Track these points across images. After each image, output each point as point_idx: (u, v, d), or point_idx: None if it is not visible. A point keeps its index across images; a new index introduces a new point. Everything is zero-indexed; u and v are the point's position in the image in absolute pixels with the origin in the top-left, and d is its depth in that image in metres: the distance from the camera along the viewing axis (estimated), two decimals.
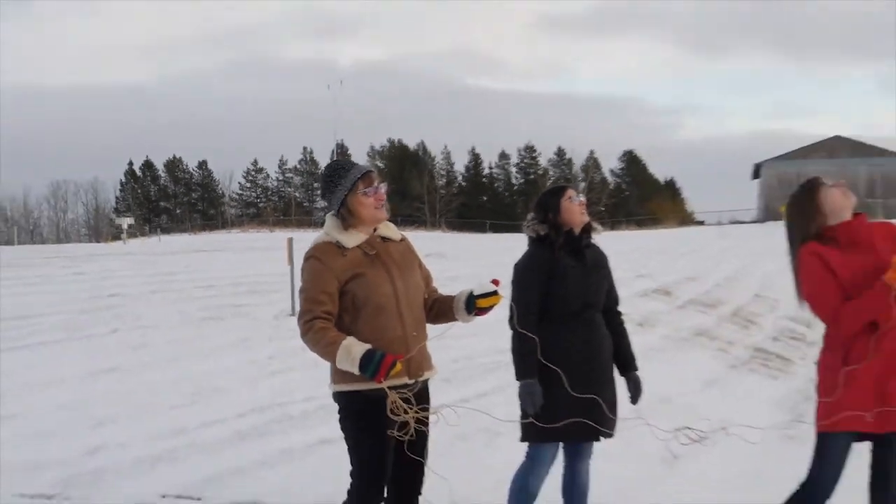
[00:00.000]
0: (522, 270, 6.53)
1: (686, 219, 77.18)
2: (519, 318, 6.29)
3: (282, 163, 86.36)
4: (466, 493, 6.81)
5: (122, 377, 13.79)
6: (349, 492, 5.43)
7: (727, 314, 25.82)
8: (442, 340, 5.70)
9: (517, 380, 6.43)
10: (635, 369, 6.84)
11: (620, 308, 7.01)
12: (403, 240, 5.72)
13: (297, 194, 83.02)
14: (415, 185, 77.96)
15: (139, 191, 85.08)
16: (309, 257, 5.41)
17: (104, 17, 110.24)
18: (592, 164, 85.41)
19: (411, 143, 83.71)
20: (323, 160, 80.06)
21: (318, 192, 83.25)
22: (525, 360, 6.34)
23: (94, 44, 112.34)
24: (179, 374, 14.03)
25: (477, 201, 79.39)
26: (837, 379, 5.57)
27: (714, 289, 30.07)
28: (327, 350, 5.13)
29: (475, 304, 5.54)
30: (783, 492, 5.84)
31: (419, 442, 5.39)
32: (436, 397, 5.68)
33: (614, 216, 71.46)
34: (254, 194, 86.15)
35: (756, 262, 35.01)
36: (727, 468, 9.72)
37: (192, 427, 10.71)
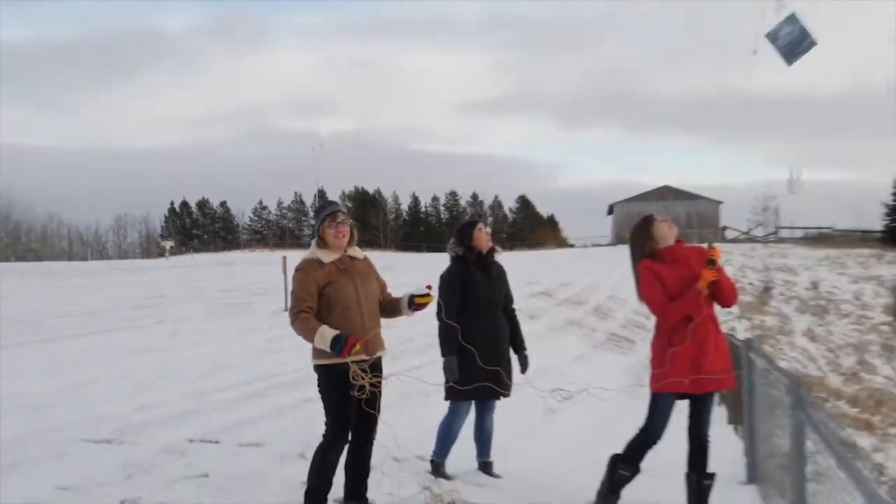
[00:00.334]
0: (446, 279, 6.72)
1: (562, 243, 77.30)
2: (444, 313, 6.49)
3: (279, 203, 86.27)
4: (407, 436, 6.83)
5: (161, 355, 13.80)
6: (324, 435, 5.52)
7: (590, 309, 26.18)
8: (391, 328, 5.82)
9: (442, 356, 6.64)
10: (524, 349, 7.07)
11: (515, 306, 7.21)
12: (365, 259, 5.84)
13: (290, 225, 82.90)
14: (373, 219, 77.93)
15: (178, 222, 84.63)
16: (298, 269, 5.58)
17: (158, 98, 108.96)
18: (496, 204, 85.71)
19: (371, 189, 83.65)
20: (308, 201, 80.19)
21: (305, 222, 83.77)
22: (448, 342, 6.56)
23: (151, 116, 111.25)
24: (203, 353, 14.06)
25: (416, 231, 79.46)
26: (665, 356, 5.71)
27: (581, 291, 30.39)
28: (308, 334, 5.31)
29: (414, 303, 5.67)
30: (628, 434, 5.94)
31: (373, 400, 5.49)
32: (387, 368, 5.75)
33: (512, 241, 71.54)
34: (259, 225, 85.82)
35: (610, 274, 35.19)
36: (588, 418, 9.92)
37: (211, 391, 10.75)
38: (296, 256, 7.87)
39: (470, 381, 6.42)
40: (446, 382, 6.64)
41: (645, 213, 6.35)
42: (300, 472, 5.82)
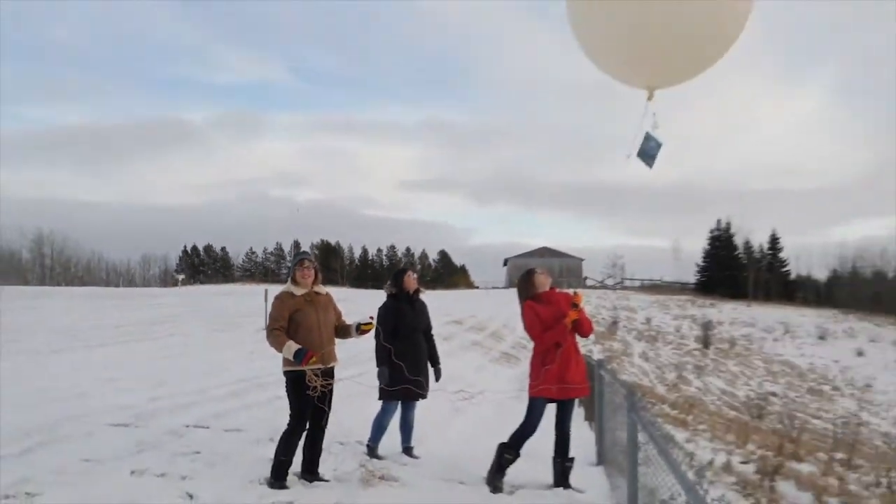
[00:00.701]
0: (383, 311, 6.67)
1: (470, 286, 77.42)
2: (381, 336, 6.44)
3: (265, 249, 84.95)
4: (350, 426, 6.75)
5: (171, 361, 13.42)
6: (288, 423, 5.44)
7: (489, 334, 26.19)
8: (344, 345, 5.76)
9: (377, 366, 6.52)
10: (439, 364, 7.01)
11: (433, 332, 7.13)
12: (327, 294, 5.78)
13: (272, 266, 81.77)
14: (333, 263, 77.36)
15: (189, 261, 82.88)
16: (277, 297, 5.58)
17: (181, 169, 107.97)
18: (423, 256, 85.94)
19: (333, 241, 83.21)
20: (286, 248, 79.70)
21: (283, 264, 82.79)
22: (381, 357, 6.54)
23: (175, 181, 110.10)
24: (202, 359, 13.72)
25: (365, 273, 78.92)
26: (539, 371, 5.74)
27: (482, 321, 30.43)
28: (279, 346, 5.31)
29: (360, 328, 5.69)
30: (512, 427, 5.91)
31: (325, 398, 5.46)
32: (338, 374, 5.68)
33: (434, 284, 71.54)
34: (249, 265, 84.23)
35: (503, 309, 35.38)
36: (485, 414, 9.83)
37: (207, 388, 10.47)
38: (275, 289, 7.81)
39: (397, 385, 6.45)
40: (379, 386, 6.57)
41: (529, 267, 6.46)
42: (269, 451, 5.72)
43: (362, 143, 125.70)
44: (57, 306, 24.84)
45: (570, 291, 6.09)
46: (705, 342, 38.16)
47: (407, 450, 6.82)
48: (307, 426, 5.47)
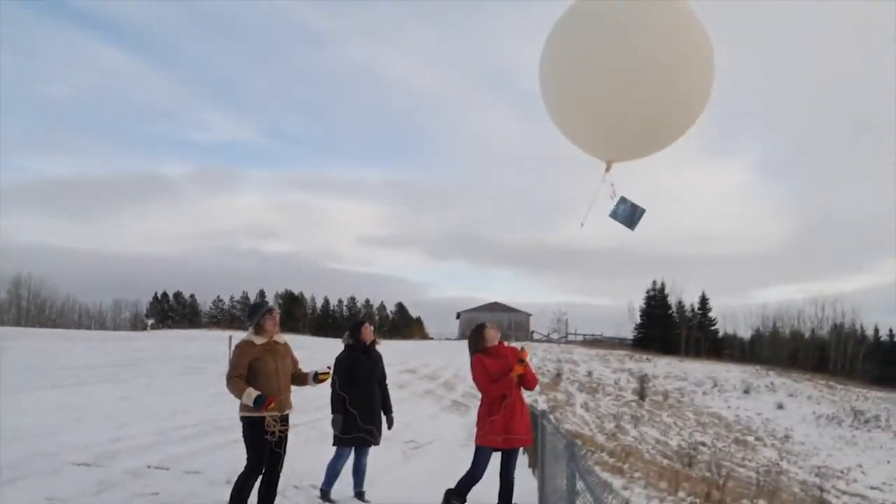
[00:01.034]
0: (340, 361, 6.56)
1: (425, 336, 76.83)
2: (336, 384, 6.30)
3: (231, 297, 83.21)
4: (304, 470, 6.54)
5: (136, 402, 12.91)
6: (245, 467, 5.28)
7: (441, 383, 25.84)
8: (302, 392, 5.60)
9: (332, 413, 6.37)
10: (391, 413, 6.86)
11: (388, 381, 7.01)
12: (285, 343, 5.67)
13: (238, 313, 79.95)
14: (296, 312, 76.30)
15: (159, 306, 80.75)
16: (238, 346, 5.46)
17: (156, 220, 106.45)
18: (382, 307, 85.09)
19: (296, 291, 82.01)
20: (252, 297, 77.86)
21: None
22: (336, 405, 6.39)
23: (149, 231, 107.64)
24: (166, 401, 13.22)
25: (326, 322, 77.83)
26: (486, 421, 5.68)
27: (435, 370, 30.07)
28: (238, 393, 5.17)
29: (317, 378, 5.59)
30: (459, 474, 5.83)
31: (282, 443, 5.33)
32: (294, 420, 5.53)
33: (391, 334, 70.99)
34: (216, 312, 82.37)
35: (455, 359, 35.07)
36: (434, 461, 9.64)
37: (168, 430, 10.08)
38: (239, 335, 7.63)
39: (350, 433, 6.33)
40: (334, 432, 6.41)
41: (480, 320, 6.46)
42: (226, 493, 5.51)
43: (328, 200, 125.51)
44: (29, 347, 23.89)
45: (518, 346, 6.07)
46: (641, 394, 38.30)
47: (359, 494, 6.65)
48: (263, 470, 5.30)
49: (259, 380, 5.23)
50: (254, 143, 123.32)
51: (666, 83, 4.27)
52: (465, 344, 6.16)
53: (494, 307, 74.62)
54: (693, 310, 70.82)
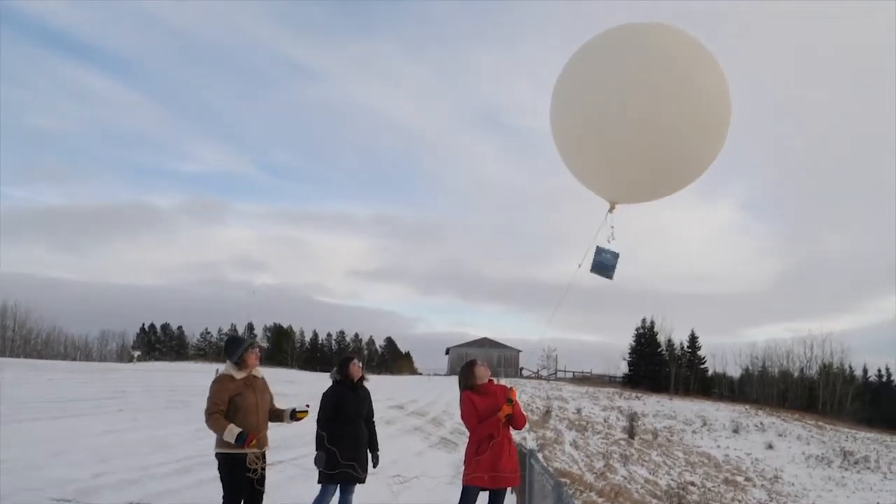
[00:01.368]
0: (326, 397, 6.43)
1: (414, 372, 76.17)
2: (323, 421, 6.15)
3: (219, 329, 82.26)
4: None
5: (119, 436, 12.66)
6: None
7: (429, 419, 25.50)
8: (288, 428, 5.47)
9: (316, 450, 6.23)
10: (377, 450, 6.72)
11: (376, 417, 6.89)
12: (263, 378, 5.58)
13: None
14: (284, 346, 75.72)
15: (146, 338, 79.93)
16: (216, 381, 5.32)
17: (146, 250, 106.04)
18: (371, 342, 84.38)
19: (285, 325, 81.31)
20: (241, 330, 77.12)
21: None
22: (320, 441, 6.24)
23: (139, 262, 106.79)
24: (150, 436, 12.97)
25: (314, 356, 77.05)
26: (473, 460, 5.58)
27: (424, 406, 29.73)
28: (219, 430, 5.05)
29: (295, 416, 5.57)
30: None
31: (261, 480, 5.21)
32: (279, 456, 5.39)
33: (379, 369, 70.41)
34: (204, 344, 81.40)
35: (444, 395, 34.81)
36: (420, 499, 9.43)
37: (151, 465, 9.91)
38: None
39: (335, 469, 6.17)
40: (319, 469, 6.27)
41: (470, 357, 6.42)
42: None
43: (317, 234, 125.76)
44: (12, 378, 23.50)
45: (507, 384, 6.02)
46: (631, 433, 38.02)
47: None
48: None
49: (239, 415, 5.12)
50: (245, 176, 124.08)
51: (679, 137, 4.26)
52: (453, 380, 6.08)
53: (484, 343, 74.23)
54: (683, 348, 70.73)
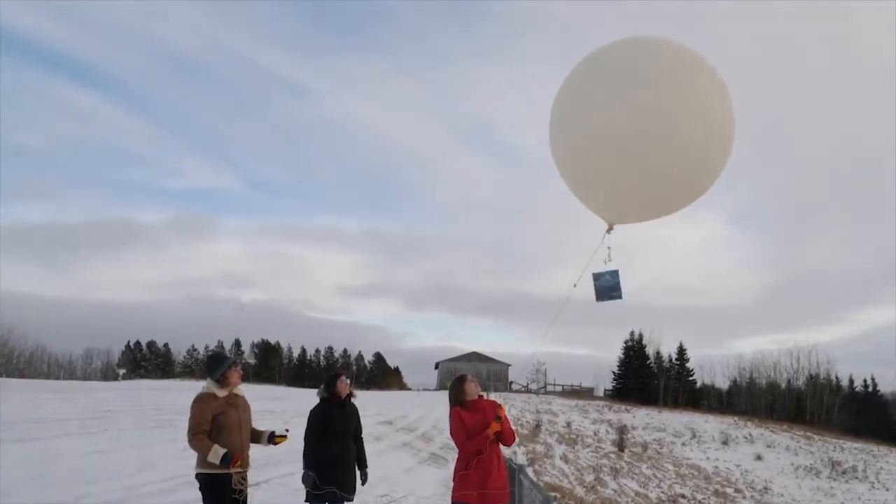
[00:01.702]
0: (313, 414, 6.37)
1: (403, 387, 75.80)
2: (310, 439, 6.07)
3: (206, 347, 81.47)
4: None
5: (104, 456, 12.50)
6: None
7: (419, 435, 25.32)
8: (266, 448, 5.39)
9: (304, 469, 6.17)
10: (366, 467, 6.68)
11: (364, 433, 6.83)
12: (243, 396, 5.53)
13: None
14: (272, 362, 75.16)
15: (131, 356, 79.12)
16: (198, 399, 5.24)
17: (131, 267, 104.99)
18: (359, 357, 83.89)
19: (273, 341, 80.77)
20: (228, 347, 76.60)
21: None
22: (308, 459, 6.17)
23: (124, 279, 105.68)
24: (135, 456, 12.80)
25: (303, 372, 76.46)
26: (462, 476, 5.50)
27: (413, 422, 29.54)
28: (204, 451, 4.98)
29: (274, 440, 5.57)
30: None
31: (245, 501, 5.13)
32: (266, 475, 5.30)
33: (368, 384, 70.08)
34: (190, 362, 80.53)
35: (433, 410, 34.60)
36: None
37: (137, 486, 9.80)
38: None
39: (324, 488, 6.11)
40: (306, 488, 6.19)
41: (461, 373, 6.35)
42: None
43: (305, 249, 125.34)
44: None
45: (498, 399, 5.96)
46: (621, 446, 37.94)
47: None
48: None
49: (223, 434, 5.05)
50: (232, 192, 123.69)
51: (682, 158, 4.20)
52: (443, 395, 6.03)
53: (473, 357, 74.09)
54: (671, 360, 70.93)
